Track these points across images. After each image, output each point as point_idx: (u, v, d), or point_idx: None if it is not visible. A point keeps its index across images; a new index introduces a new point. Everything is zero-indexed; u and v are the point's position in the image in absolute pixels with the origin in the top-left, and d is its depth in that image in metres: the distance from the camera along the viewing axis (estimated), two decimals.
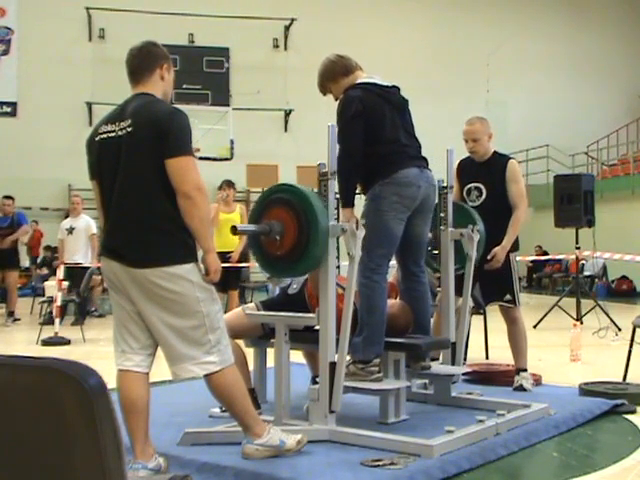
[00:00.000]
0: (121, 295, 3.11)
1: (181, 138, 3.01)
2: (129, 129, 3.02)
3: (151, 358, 3.16)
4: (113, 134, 3.07)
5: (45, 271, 13.12)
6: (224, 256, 7.44)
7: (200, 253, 3.11)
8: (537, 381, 5.28)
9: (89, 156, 3.21)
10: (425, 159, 4.09)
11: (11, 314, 9.88)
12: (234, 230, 3.62)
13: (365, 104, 3.91)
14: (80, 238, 9.90)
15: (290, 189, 3.64)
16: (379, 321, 3.88)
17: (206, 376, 3.10)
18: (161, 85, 3.21)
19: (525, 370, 5.02)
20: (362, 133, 3.88)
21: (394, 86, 4.11)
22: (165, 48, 3.31)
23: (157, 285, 2.99)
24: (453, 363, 4.45)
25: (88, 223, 9.94)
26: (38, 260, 14.63)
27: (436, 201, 4.33)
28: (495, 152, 5.11)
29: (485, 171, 5.01)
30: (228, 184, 8.56)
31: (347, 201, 3.91)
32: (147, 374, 3.14)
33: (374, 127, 3.94)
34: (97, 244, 9.80)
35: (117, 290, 3.13)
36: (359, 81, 4.04)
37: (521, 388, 4.90)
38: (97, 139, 3.14)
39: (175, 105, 3.28)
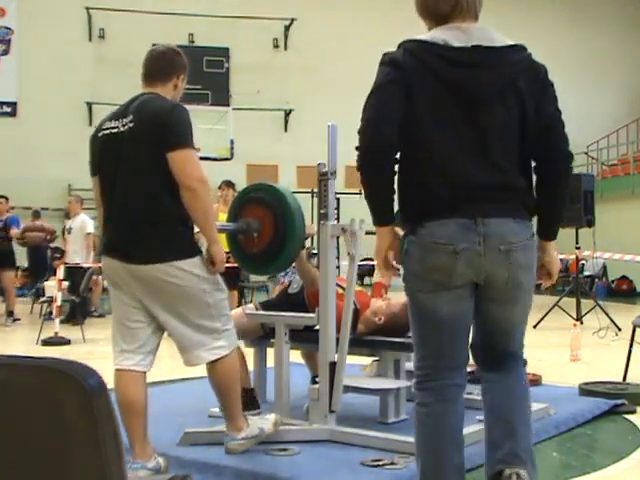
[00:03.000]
0: (123, 292, 3.13)
1: (181, 131, 3.02)
2: (130, 125, 3.04)
3: (151, 357, 3.16)
4: (116, 130, 3.09)
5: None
6: None
7: (204, 246, 3.13)
8: (537, 381, 5.28)
9: (91, 152, 3.22)
10: None
11: (10, 314, 9.87)
12: None
13: None
14: (77, 238, 9.90)
15: (266, 188, 3.67)
16: None
17: (213, 362, 3.12)
18: (172, 93, 3.22)
19: None
20: None
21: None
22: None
23: (163, 280, 3.01)
24: None
25: (83, 222, 9.92)
26: None
27: None
28: None
29: None
30: (227, 184, 8.57)
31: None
32: (145, 373, 3.15)
33: None
34: (93, 243, 9.77)
35: (119, 287, 3.14)
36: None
37: None
38: (100, 135, 3.16)
39: None
